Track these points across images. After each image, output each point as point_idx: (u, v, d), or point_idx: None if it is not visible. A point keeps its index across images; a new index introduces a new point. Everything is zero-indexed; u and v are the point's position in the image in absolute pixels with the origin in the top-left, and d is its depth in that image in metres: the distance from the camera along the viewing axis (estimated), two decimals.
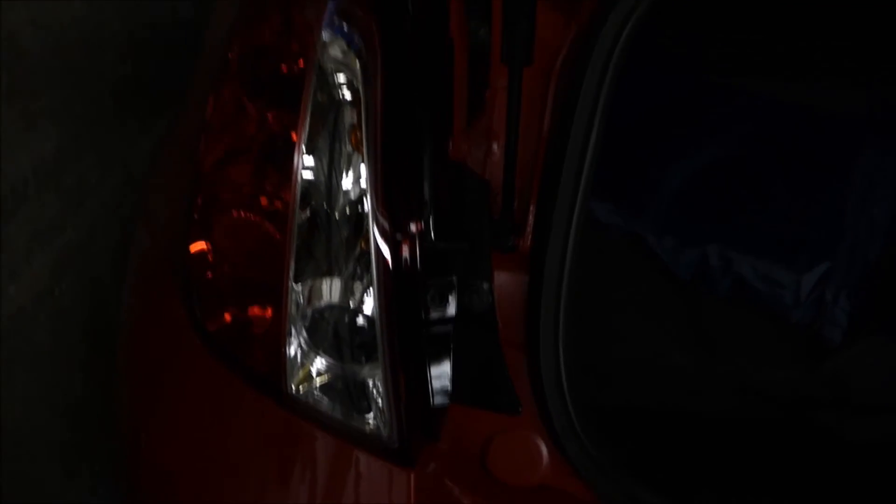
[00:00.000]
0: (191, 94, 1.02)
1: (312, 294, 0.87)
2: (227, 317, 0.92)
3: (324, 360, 0.88)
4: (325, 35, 0.84)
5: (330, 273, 0.87)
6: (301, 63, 0.86)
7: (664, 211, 1.32)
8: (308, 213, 0.87)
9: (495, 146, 0.91)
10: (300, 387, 0.88)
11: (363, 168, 0.86)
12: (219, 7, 1.04)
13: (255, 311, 0.90)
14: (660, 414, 1.11)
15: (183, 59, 2.02)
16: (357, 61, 0.83)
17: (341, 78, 0.86)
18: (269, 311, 0.89)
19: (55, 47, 1.62)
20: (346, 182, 0.87)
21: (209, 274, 0.93)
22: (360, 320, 0.87)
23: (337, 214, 0.88)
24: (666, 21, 1.05)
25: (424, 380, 0.88)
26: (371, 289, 0.85)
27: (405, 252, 0.86)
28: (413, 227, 0.87)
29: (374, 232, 0.85)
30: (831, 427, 1.15)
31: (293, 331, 0.88)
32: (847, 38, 1.50)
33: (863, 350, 1.19)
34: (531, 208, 0.90)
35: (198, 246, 0.92)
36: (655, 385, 1.16)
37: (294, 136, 0.86)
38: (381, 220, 0.85)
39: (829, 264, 1.25)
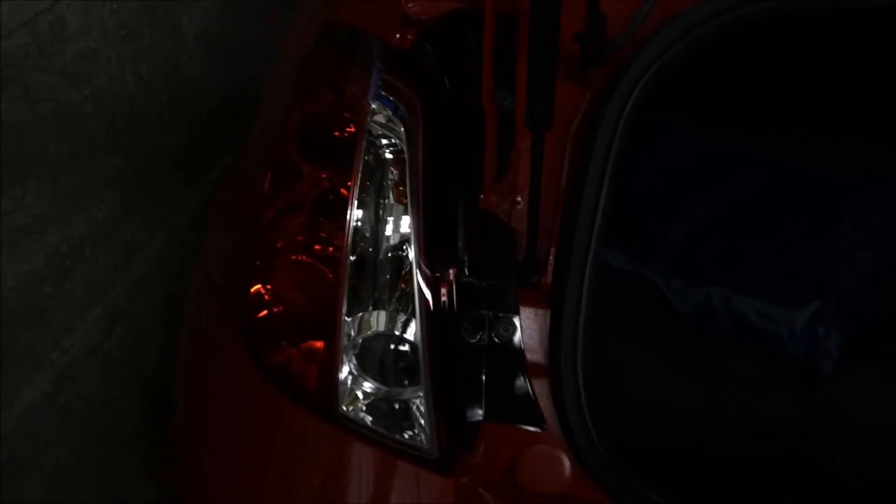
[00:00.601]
0: (248, 156, 1.16)
1: (361, 326, 1.00)
2: (286, 349, 1.04)
3: (371, 384, 1.01)
4: (373, 104, 0.99)
5: (376, 307, 1.00)
6: (352, 128, 1.00)
7: (671, 257, 1.46)
8: (357, 256, 1.01)
9: (519, 198, 1.05)
10: (350, 407, 1.01)
11: (406, 217, 0.99)
12: (273, 83, 1.19)
13: (310, 343, 1.03)
14: (668, 439, 1.22)
15: (220, 133, 2.18)
16: (402, 126, 0.97)
17: (386, 141, 1.00)
18: (323, 343, 1.02)
19: (111, 121, 1.76)
20: (390, 229, 1.01)
21: (267, 312, 1.06)
22: (404, 348, 0.99)
23: (382, 257, 1.01)
24: (667, 93, 1.20)
25: (459, 399, 1.00)
26: (414, 320, 0.98)
27: (443, 289, 0.99)
28: (450, 268, 1.00)
29: (417, 272, 0.98)
30: (827, 454, 1.25)
31: (345, 359, 1.00)
32: (835, 106, 1.67)
33: (853, 379, 1.31)
34: (552, 251, 1.03)
35: (257, 288, 1.06)
36: (663, 416, 1.28)
37: (346, 192, 1.01)
38: (424, 261, 0.98)
39: (821, 302, 1.37)
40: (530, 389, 1.02)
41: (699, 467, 1.19)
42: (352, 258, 1.00)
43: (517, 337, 1.02)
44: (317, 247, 1.03)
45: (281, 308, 1.05)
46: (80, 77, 1.64)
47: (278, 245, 1.04)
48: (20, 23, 1.47)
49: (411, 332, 0.98)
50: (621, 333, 1.35)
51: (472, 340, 1.01)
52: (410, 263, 0.99)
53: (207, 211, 1.40)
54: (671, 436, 1.24)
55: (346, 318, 0.99)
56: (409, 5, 0.90)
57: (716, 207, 1.51)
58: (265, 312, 1.05)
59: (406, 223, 0.99)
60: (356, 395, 1.01)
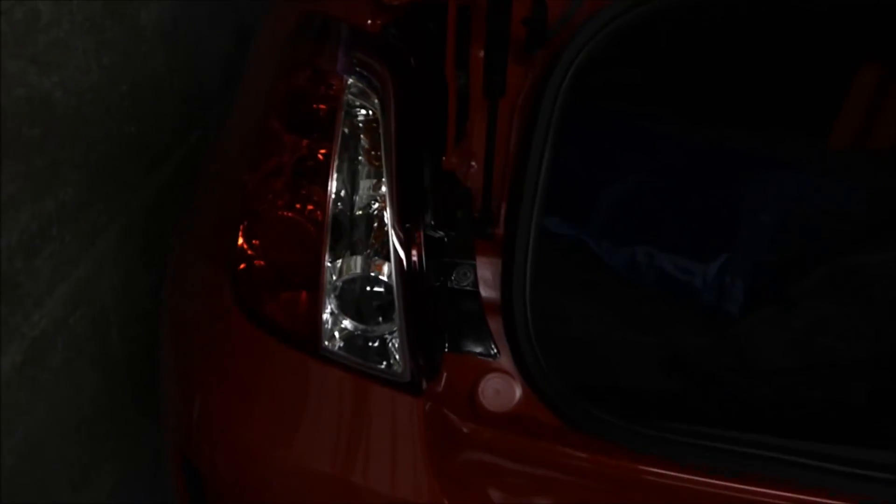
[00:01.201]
0: (234, 129, 1.30)
1: (342, 271, 1.15)
2: (273, 297, 1.19)
3: (350, 322, 1.16)
4: (350, 79, 1.14)
5: (354, 253, 1.15)
6: (331, 101, 1.16)
7: (601, 222, 1.67)
8: (336, 212, 1.16)
9: (474, 163, 1.22)
10: (331, 343, 1.16)
11: (379, 178, 1.15)
12: (254, 65, 1.33)
13: (295, 289, 1.18)
14: (602, 370, 1.41)
15: (175, 123, 2.29)
16: (375, 98, 1.13)
17: (361, 112, 1.16)
18: (307, 288, 1.16)
19: (77, 107, 1.86)
20: (365, 188, 1.17)
21: (255, 264, 1.20)
22: (380, 289, 1.15)
23: (358, 213, 1.17)
24: (599, 77, 1.39)
25: (427, 333, 1.16)
26: (388, 264, 1.14)
27: (413, 239, 1.15)
28: (418, 221, 1.17)
29: (390, 224, 1.14)
30: (731, 388, 1.46)
31: (326, 301, 1.16)
32: (740, 93, 1.92)
33: (755, 319, 1.53)
34: (503, 207, 1.20)
35: (245, 243, 1.20)
36: (597, 351, 1.47)
37: (324, 157, 1.16)
38: (396, 215, 1.14)
39: (728, 256, 1.60)
40: (486, 325, 1.18)
41: (629, 393, 1.38)
42: (332, 213, 1.15)
43: (475, 280, 1.18)
44: (298, 205, 1.17)
45: (267, 260, 1.19)
46: (50, 65, 1.74)
47: (265, 204, 1.18)
48: None
49: (386, 275, 1.14)
50: (561, 285, 1.54)
51: (436, 282, 1.17)
52: (384, 218, 1.15)
53: (192, 177, 1.51)
54: (605, 367, 1.43)
55: (328, 264, 1.14)
56: None
57: (638, 180, 1.73)
58: (253, 264, 1.19)
59: (379, 183, 1.15)
60: (336, 332, 1.16)
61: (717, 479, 1.15)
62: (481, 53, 1.11)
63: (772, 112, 1.92)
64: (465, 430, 1.18)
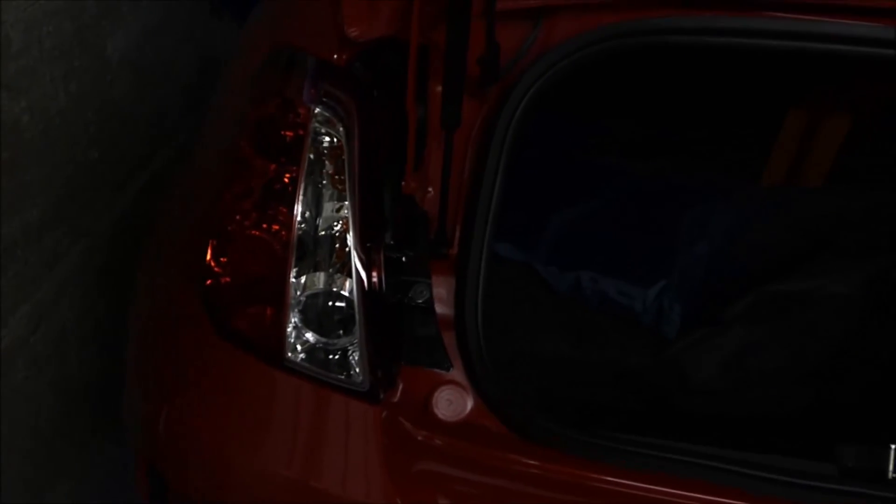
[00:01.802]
0: (204, 149, 1.37)
1: (305, 286, 1.23)
2: (239, 310, 1.26)
3: (312, 335, 1.24)
4: (317, 108, 1.23)
5: (317, 270, 1.23)
6: (299, 129, 1.24)
7: (548, 249, 1.78)
8: (302, 231, 1.24)
9: (431, 189, 1.31)
10: (294, 354, 1.23)
11: (342, 200, 1.24)
12: (225, 95, 1.42)
13: (261, 304, 1.25)
14: (547, 384, 1.50)
15: (137, 150, 2.35)
16: (341, 125, 1.22)
17: (326, 139, 1.25)
18: (273, 303, 1.24)
19: (44, 132, 1.91)
20: (329, 209, 1.25)
21: (223, 280, 1.27)
22: (341, 304, 1.23)
23: (322, 232, 1.25)
24: (548, 112, 1.50)
25: (385, 346, 1.24)
26: (349, 280, 1.22)
27: (373, 257, 1.23)
28: (378, 241, 1.25)
29: (352, 243, 1.22)
30: (672, 403, 1.57)
31: (290, 315, 1.23)
32: (679, 130, 2.07)
33: (690, 341, 1.64)
34: (457, 229, 1.29)
35: (215, 260, 1.27)
36: (543, 366, 1.56)
37: (290, 180, 1.24)
38: (357, 235, 1.22)
39: (666, 282, 1.71)
40: (441, 339, 1.27)
41: (573, 406, 1.47)
42: (297, 233, 1.23)
43: (430, 297, 1.27)
44: (265, 225, 1.25)
45: (235, 276, 1.26)
46: (20, 90, 1.80)
47: (234, 223, 1.25)
48: None
49: (347, 291, 1.22)
50: (511, 305, 1.64)
51: (394, 299, 1.26)
52: (346, 237, 1.23)
53: (160, 200, 1.57)
54: (550, 381, 1.52)
55: (293, 280, 1.22)
56: (351, 30, 1.15)
57: (583, 209, 1.85)
58: (221, 280, 1.26)
59: (342, 205, 1.23)
60: (298, 345, 1.24)
61: (654, 484, 1.24)
62: (439, 88, 1.21)
63: (709, 152, 2.07)
64: (419, 437, 1.26)
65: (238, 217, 1.26)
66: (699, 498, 1.23)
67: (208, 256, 1.26)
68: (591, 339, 1.65)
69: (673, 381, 1.57)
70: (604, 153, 2.04)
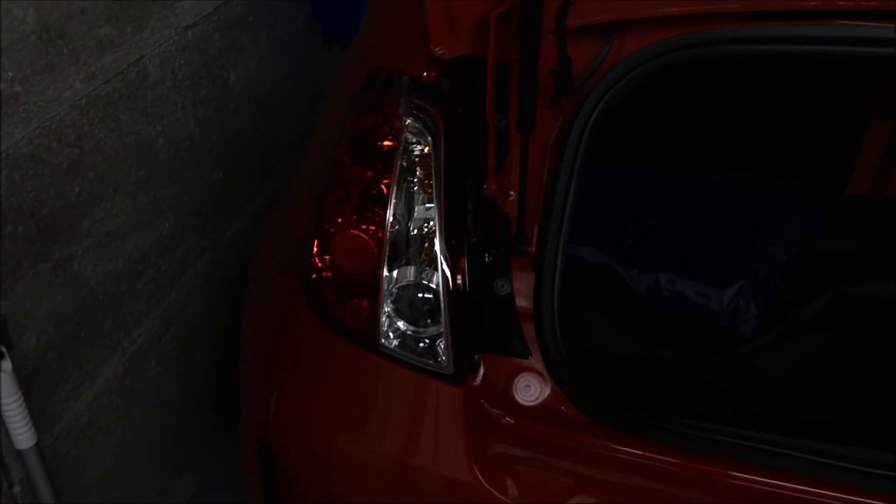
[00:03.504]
0: (307, 164, 1.54)
1: (397, 279, 1.37)
2: (340, 301, 1.41)
3: (403, 324, 1.37)
4: (408, 120, 1.37)
5: (408, 265, 1.37)
6: (392, 139, 1.39)
7: (629, 252, 1.87)
8: (394, 231, 1.38)
9: (512, 192, 1.43)
10: (387, 341, 1.37)
11: (431, 203, 1.37)
12: (329, 110, 1.58)
13: (358, 296, 1.40)
14: (619, 380, 1.59)
15: (255, 172, 2.56)
16: (429, 136, 1.36)
17: (416, 148, 1.39)
18: (368, 295, 1.38)
19: (175, 154, 2.14)
20: (419, 212, 1.39)
21: (325, 275, 1.43)
22: (429, 296, 1.36)
23: (414, 231, 1.39)
24: (621, 123, 1.60)
25: (468, 335, 1.37)
26: (436, 275, 1.35)
27: (458, 253, 1.36)
28: (462, 240, 1.38)
29: (440, 240, 1.35)
30: (745, 403, 1.62)
31: (384, 306, 1.37)
32: (755, 145, 2.13)
33: (763, 342, 1.69)
34: (535, 229, 1.41)
35: (319, 257, 1.43)
36: (617, 363, 1.65)
37: (386, 186, 1.39)
38: (444, 235, 1.35)
39: (742, 283, 1.77)
40: (520, 330, 1.38)
41: (646, 396, 1.55)
42: (390, 232, 1.37)
43: (511, 291, 1.38)
44: (364, 226, 1.40)
45: (335, 271, 1.41)
46: (155, 116, 2.03)
47: (334, 225, 1.41)
48: (116, 72, 1.86)
49: (434, 284, 1.35)
50: (590, 303, 1.74)
51: (478, 294, 1.38)
52: (434, 236, 1.36)
53: (268, 209, 1.75)
54: (622, 376, 1.61)
55: (385, 274, 1.36)
56: (436, 49, 1.29)
57: (661, 218, 1.93)
58: (324, 275, 1.42)
59: (431, 207, 1.37)
60: (391, 332, 1.38)
61: (724, 469, 1.31)
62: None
63: (792, 164, 2.12)
64: (499, 419, 1.37)
65: (339, 219, 1.41)
66: (767, 482, 1.29)
67: (313, 254, 1.42)
68: (666, 337, 1.72)
69: (746, 381, 1.63)
70: (686, 166, 2.12)
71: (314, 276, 1.42)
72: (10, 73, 1.52)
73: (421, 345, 1.37)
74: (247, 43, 2.42)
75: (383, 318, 1.37)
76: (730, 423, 1.40)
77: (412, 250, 1.38)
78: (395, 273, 1.37)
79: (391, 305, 1.37)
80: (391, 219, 1.37)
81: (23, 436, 1.52)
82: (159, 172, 2.08)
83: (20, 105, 1.55)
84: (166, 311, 2.18)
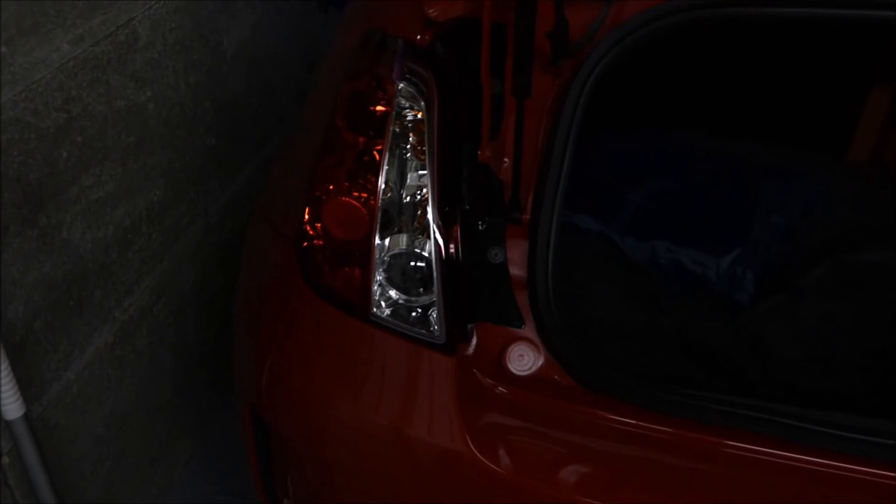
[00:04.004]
0: (304, 127, 1.51)
1: (389, 246, 1.34)
2: (331, 269, 1.39)
3: (395, 292, 1.35)
4: (401, 84, 1.34)
5: (400, 233, 1.34)
6: (385, 103, 1.36)
7: (626, 220, 1.85)
8: (386, 198, 1.35)
9: (507, 159, 1.40)
10: (379, 310, 1.35)
11: (423, 169, 1.34)
12: (325, 71, 1.54)
13: (350, 263, 1.37)
14: (617, 347, 1.57)
15: (249, 138, 2.53)
16: (422, 100, 1.33)
17: (409, 112, 1.36)
18: (360, 263, 1.36)
19: (167, 119, 2.10)
20: (411, 178, 1.36)
21: (317, 242, 1.40)
22: (421, 264, 1.34)
23: (405, 199, 1.36)
24: (617, 89, 1.57)
25: (461, 303, 1.35)
26: (429, 243, 1.33)
27: (451, 221, 1.34)
28: (455, 207, 1.35)
29: (432, 208, 1.33)
30: (745, 371, 1.61)
31: (375, 274, 1.35)
32: (756, 110, 2.09)
33: (762, 310, 1.68)
34: (530, 196, 1.38)
35: (310, 224, 1.40)
36: (615, 330, 1.63)
37: (378, 152, 1.36)
38: (437, 201, 1.33)
39: (740, 251, 1.76)
40: (514, 298, 1.36)
41: (644, 363, 1.54)
42: (382, 199, 1.35)
43: (505, 259, 1.36)
44: (356, 192, 1.37)
45: (328, 238, 1.39)
46: (146, 81, 1.99)
47: (327, 191, 1.38)
48: (105, 34, 1.82)
49: (427, 252, 1.33)
50: (587, 271, 1.72)
51: (471, 261, 1.36)
52: (427, 203, 1.34)
53: (268, 168, 1.72)
54: (623, 341, 1.59)
55: (377, 242, 1.34)
56: (430, 11, 1.26)
57: (660, 184, 1.91)
58: (315, 242, 1.39)
59: (424, 173, 1.34)
60: (383, 301, 1.36)
61: (719, 438, 1.29)
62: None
63: (792, 129, 2.08)
64: (492, 388, 1.36)
65: (331, 186, 1.38)
66: (762, 451, 1.28)
67: (304, 221, 1.40)
68: (663, 304, 1.71)
69: (746, 349, 1.61)
70: (681, 133, 2.09)
71: (305, 243, 1.40)
72: None
73: (413, 314, 1.35)
74: (240, 5, 2.38)
75: (375, 287, 1.35)
76: (729, 391, 1.39)
77: (405, 218, 1.35)
78: (387, 241, 1.34)
79: (383, 274, 1.35)
80: (383, 186, 1.34)
81: (11, 406, 1.50)
82: (150, 138, 2.05)
83: (6, 67, 1.52)
84: (158, 279, 2.16)
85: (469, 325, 1.36)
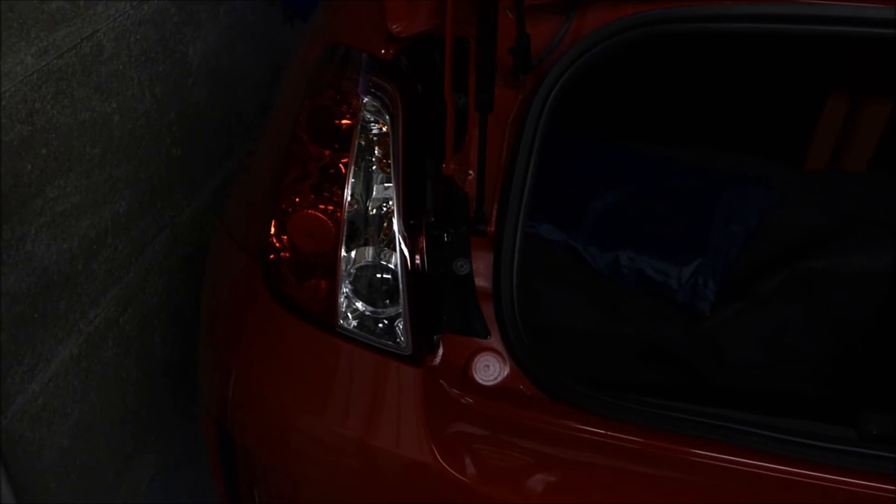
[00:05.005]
0: (266, 142, 1.52)
1: (355, 259, 1.35)
2: (296, 282, 1.39)
3: (361, 304, 1.36)
4: (365, 98, 1.36)
5: (366, 245, 1.35)
6: (349, 117, 1.37)
7: (589, 230, 1.87)
8: (352, 210, 1.37)
9: (471, 171, 1.42)
10: (345, 321, 1.36)
11: (389, 182, 1.36)
12: (287, 87, 1.55)
13: (316, 276, 1.38)
14: (580, 354, 1.59)
15: (215, 149, 2.52)
16: (387, 114, 1.34)
17: (374, 126, 1.37)
18: (326, 275, 1.37)
19: (132, 131, 2.10)
20: (377, 191, 1.37)
21: (282, 255, 1.41)
22: (387, 276, 1.35)
23: (371, 212, 1.37)
24: (578, 100, 1.59)
25: (427, 315, 1.36)
26: (394, 255, 1.34)
27: (416, 233, 1.35)
28: (421, 219, 1.37)
29: (397, 221, 1.34)
30: (704, 376, 1.64)
31: (342, 286, 1.36)
32: (714, 120, 2.14)
33: (723, 317, 1.71)
34: (494, 208, 1.40)
35: (276, 237, 1.41)
36: (577, 337, 1.66)
37: (344, 165, 1.37)
38: (402, 214, 1.34)
39: (701, 260, 1.79)
40: (479, 310, 1.38)
41: (607, 373, 1.56)
42: (348, 212, 1.36)
43: (470, 271, 1.38)
44: (321, 205, 1.38)
45: (293, 251, 1.39)
46: (111, 92, 1.99)
47: (292, 204, 1.39)
48: (70, 46, 1.81)
49: (393, 264, 1.34)
50: (551, 281, 1.74)
51: (436, 273, 1.37)
52: (392, 216, 1.35)
53: (230, 184, 1.72)
54: (582, 351, 1.62)
55: (344, 254, 1.35)
56: (394, 26, 1.27)
57: (622, 193, 1.94)
58: (281, 255, 1.40)
59: (389, 186, 1.36)
60: (349, 313, 1.37)
61: (685, 446, 1.32)
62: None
63: (750, 138, 2.13)
64: (458, 399, 1.37)
65: (297, 199, 1.39)
66: (721, 458, 1.31)
67: (270, 234, 1.40)
68: (626, 313, 1.73)
69: (706, 356, 1.65)
70: (644, 140, 2.13)
71: (272, 255, 1.40)
72: None
73: (380, 325, 1.36)
74: (205, 17, 2.38)
75: (341, 299, 1.36)
76: (692, 398, 1.41)
77: (370, 230, 1.36)
78: (353, 253, 1.36)
79: (349, 286, 1.36)
80: (349, 198, 1.35)
81: None
82: (115, 150, 2.05)
83: None
84: (124, 291, 2.15)
85: (435, 336, 1.38)
